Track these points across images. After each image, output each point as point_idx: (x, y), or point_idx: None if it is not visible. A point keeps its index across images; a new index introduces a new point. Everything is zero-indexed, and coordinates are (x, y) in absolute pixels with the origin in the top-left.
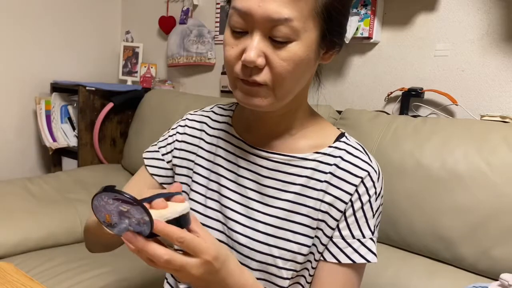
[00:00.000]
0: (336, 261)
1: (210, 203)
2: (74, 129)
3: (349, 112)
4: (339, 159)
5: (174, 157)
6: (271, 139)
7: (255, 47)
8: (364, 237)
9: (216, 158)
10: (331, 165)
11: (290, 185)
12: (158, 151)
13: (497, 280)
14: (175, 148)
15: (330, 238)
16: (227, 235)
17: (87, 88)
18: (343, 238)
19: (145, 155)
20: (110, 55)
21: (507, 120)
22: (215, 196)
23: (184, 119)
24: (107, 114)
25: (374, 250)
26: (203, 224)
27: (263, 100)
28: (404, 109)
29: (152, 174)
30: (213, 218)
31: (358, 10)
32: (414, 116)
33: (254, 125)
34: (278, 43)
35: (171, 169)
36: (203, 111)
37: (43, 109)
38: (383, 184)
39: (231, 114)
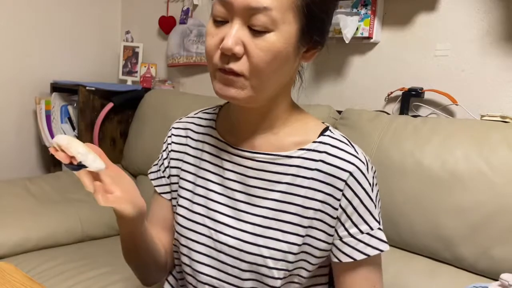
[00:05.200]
0: (352, 260)
1: (196, 208)
2: (74, 129)
3: (349, 112)
4: (324, 154)
5: (170, 168)
6: (254, 139)
7: (233, 35)
8: (372, 229)
9: (201, 162)
10: (316, 161)
11: (276, 184)
12: (159, 170)
13: (497, 280)
14: (171, 159)
15: (340, 239)
16: (214, 239)
17: (87, 88)
18: (352, 236)
19: (150, 176)
20: (110, 55)
21: (507, 120)
22: (201, 201)
23: (170, 129)
24: (107, 114)
25: (384, 238)
26: (189, 229)
27: (239, 92)
28: (404, 109)
29: (160, 193)
30: (199, 223)
31: (358, 10)
32: (414, 116)
33: (237, 126)
34: (256, 33)
35: (171, 184)
36: (187, 117)
37: (43, 109)
38: (376, 174)
39: (215, 118)
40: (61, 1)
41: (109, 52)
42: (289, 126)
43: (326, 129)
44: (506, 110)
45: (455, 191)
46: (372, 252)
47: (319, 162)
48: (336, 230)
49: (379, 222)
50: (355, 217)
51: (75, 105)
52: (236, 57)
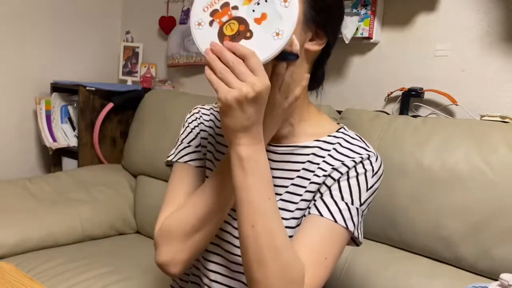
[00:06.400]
0: (318, 213)
1: None
2: (74, 129)
3: (349, 112)
4: (337, 144)
5: (202, 138)
6: (276, 134)
7: None
8: (352, 203)
9: (222, 156)
10: (329, 150)
11: (294, 172)
12: (182, 143)
13: (497, 280)
14: (201, 130)
15: (321, 196)
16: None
17: (87, 88)
18: (332, 197)
19: (170, 158)
20: (110, 55)
21: (507, 120)
22: None
23: (196, 108)
24: (107, 114)
25: (355, 221)
26: None
27: None
28: (404, 109)
29: (186, 162)
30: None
31: (358, 10)
32: (414, 116)
33: None
34: None
35: (200, 151)
36: (211, 107)
37: (43, 109)
38: (383, 169)
39: None
40: (61, 1)
41: (109, 52)
42: (306, 121)
43: (341, 128)
44: (506, 110)
45: (455, 191)
46: (339, 220)
47: (332, 151)
48: (320, 192)
49: (360, 205)
50: (343, 184)
51: (75, 105)
52: None
